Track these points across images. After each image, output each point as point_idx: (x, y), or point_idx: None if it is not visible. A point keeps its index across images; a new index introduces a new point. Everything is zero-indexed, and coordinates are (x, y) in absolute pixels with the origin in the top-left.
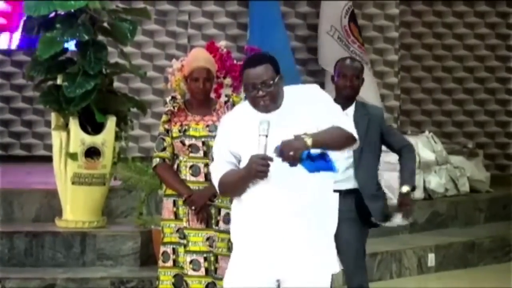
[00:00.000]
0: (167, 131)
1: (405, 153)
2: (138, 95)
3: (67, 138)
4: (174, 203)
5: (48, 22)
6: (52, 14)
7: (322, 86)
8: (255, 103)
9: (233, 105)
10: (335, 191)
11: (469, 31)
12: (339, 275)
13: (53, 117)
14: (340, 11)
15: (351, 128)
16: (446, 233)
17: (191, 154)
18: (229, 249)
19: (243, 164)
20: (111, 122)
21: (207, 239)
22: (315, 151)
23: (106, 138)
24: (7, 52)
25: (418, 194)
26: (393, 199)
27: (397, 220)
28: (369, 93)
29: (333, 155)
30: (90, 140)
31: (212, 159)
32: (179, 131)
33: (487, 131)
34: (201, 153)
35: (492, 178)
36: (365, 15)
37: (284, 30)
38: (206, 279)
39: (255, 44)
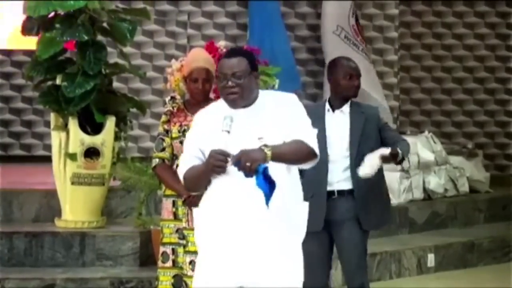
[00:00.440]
0: (167, 131)
1: (399, 142)
2: (138, 95)
3: (67, 138)
4: (174, 203)
5: (48, 22)
6: (52, 14)
7: (322, 86)
8: (223, 94)
9: None
10: (337, 191)
11: (469, 31)
12: (339, 275)
13: (52, 117)
14: (348, 11)
15: (314, 144)
16: (446, 233)
17: None
18: None
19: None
20: (110, 122)
21: None
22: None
23: (105, 138)
24: (7, 52)
25: (418, 194)
26: (392, 199)
27: (366, 169)
28: (376, 91)
29: (332, 155)
30: (90, 140)
31: None
32: (179, 131)
33: (487, 131)
34: None
35: (492, 179)
36: (365, 15)
37: (284, 30)
38: None
39: (255, 44)
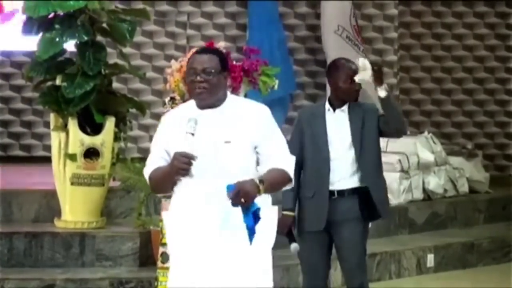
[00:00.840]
0: None
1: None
2: (137, 96)
3: (66, 139)
4: None
5: (47, 23)
6: (51, 15)
7: (322, 86)
8: (191, 89)
9: None
10: (337, 191)
11: (469, 32)
12: (338, 275)
13: (52, 117)
14: (349, 10)
15: (292, 169)
16: (445, 233)
17: None
18: None
19: None
20: (110, 123)
21: None
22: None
23: (105, 139)
24: (6, 53)
25: (417, 194)
26: (392, 200)
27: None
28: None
29: (334, 153)
30: (89, 140)
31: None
32: None
33: (487, 132)
34: None
35: (491, 179)
36: (364, 16)
37: (282, 30)
38: None
39: (254, 44)
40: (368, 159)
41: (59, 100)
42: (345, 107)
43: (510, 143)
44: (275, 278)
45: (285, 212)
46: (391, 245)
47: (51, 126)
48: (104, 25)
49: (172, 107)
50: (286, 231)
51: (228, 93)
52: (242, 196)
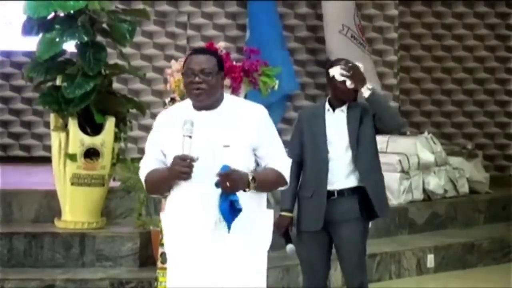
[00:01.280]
0: None
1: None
2: (137, 96)
3: (66, 139)
4: None
5: (48, 23)
6: (52, 15)
7: (322, 86)
8: (189, 90)
9: None
10: (337, 191)
11: (469, 32)
12: (338, 275)
13: (52, 118)
14: (353, 10)
15: (288, 171)
16: (445, 234)
17: None
18: None
19: (169, 162)
20: (110, 123)
21: None
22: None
23: (105, 139)
24: (6, 53)
25: (417, 195)
26: (392, 200)
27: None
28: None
29: (333, 153)
30: (89, 141)
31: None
32: None
33: (487, 132)
34: None
35: (492, 179)
36: (365, 16)
37: (281, 31)
38: None
39: (254, 45)
40: (365, 158)
41: (59, 100)
42: (345, 107)
43: (510, 144)
44: (276, 279)
45: (282, 213)
46: (391, 245)
47: (51, 126)
48: (104, 25)
49: None
50: (283, 232)
51: (225, 93)
52: (229, 181)
